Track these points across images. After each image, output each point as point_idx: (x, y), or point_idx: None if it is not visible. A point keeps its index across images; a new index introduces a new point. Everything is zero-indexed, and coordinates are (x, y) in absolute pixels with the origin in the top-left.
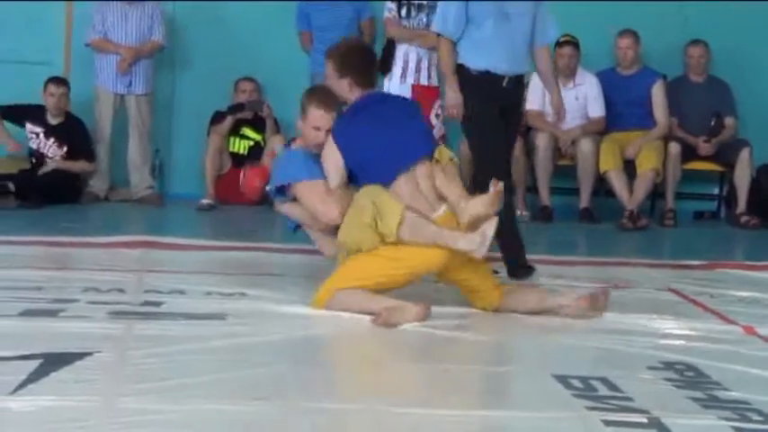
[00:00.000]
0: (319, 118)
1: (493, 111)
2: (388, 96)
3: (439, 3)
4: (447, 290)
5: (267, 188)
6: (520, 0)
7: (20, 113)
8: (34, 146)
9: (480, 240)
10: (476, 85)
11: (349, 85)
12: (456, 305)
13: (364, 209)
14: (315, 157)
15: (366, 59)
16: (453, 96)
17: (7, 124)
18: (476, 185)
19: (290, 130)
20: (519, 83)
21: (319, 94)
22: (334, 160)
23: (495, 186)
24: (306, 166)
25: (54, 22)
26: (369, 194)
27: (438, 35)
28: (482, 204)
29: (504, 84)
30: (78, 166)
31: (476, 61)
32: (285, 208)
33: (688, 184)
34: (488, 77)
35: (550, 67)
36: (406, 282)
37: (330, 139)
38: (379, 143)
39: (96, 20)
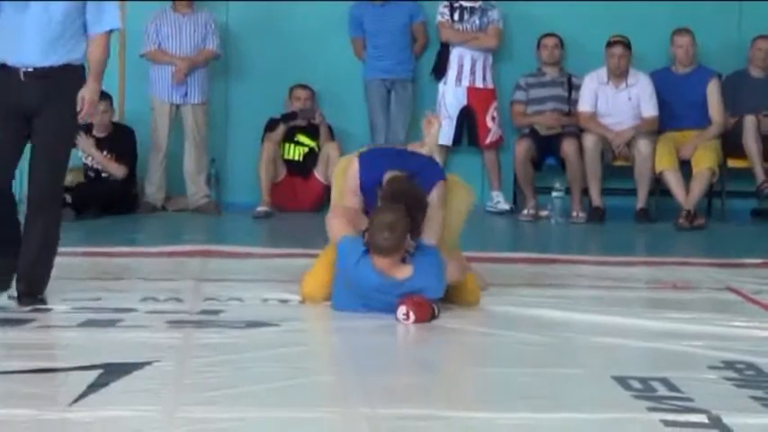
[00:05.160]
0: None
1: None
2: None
3: None
4: None
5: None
6: None
7: None
8: (88, 162)
9: None
10: None
11: None
12: None
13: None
14: None
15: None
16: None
17: None
18: None
19: (343, 136)
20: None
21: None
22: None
23: None
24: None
25: None
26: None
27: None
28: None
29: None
30: (112, 166)
31: None
32: None
33: (745, 182)
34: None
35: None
36: None
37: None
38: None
39: (151, 30)
